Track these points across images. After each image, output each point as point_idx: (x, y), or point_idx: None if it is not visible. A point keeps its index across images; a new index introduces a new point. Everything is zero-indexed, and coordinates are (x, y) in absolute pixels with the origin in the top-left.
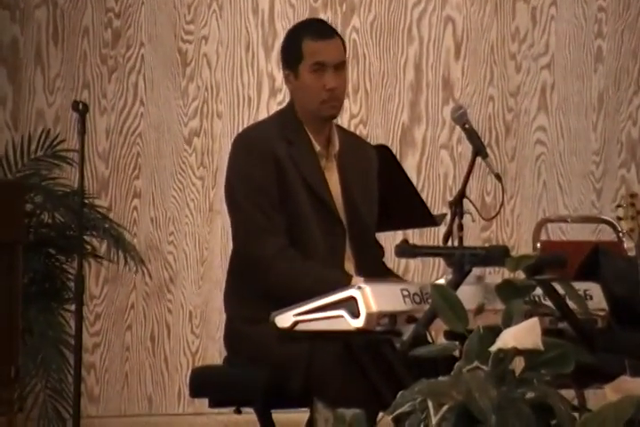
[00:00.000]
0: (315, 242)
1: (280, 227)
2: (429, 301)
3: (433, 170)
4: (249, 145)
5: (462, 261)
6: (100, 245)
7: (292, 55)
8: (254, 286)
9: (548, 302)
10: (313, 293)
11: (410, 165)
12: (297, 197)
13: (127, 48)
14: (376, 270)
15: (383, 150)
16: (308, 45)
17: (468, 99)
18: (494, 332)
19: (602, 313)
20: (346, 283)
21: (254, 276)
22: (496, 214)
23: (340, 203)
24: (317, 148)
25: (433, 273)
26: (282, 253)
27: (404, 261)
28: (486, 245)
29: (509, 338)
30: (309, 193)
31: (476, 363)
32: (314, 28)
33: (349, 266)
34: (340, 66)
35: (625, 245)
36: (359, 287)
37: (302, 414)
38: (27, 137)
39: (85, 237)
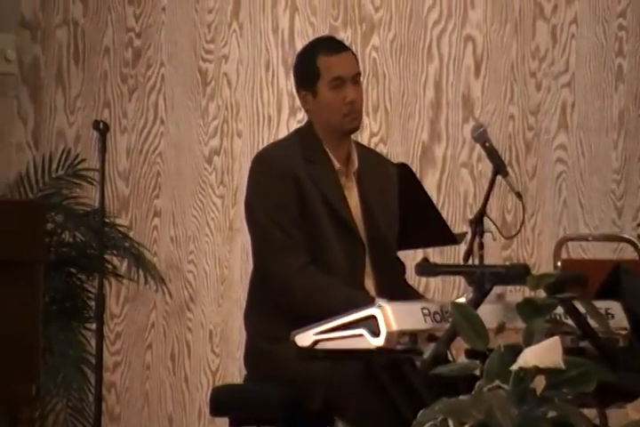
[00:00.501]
0: (335, 260)
1: (300, 244)
2: (450, 319)
3: (453, 188)
4: (268, 164)
5: (483, 279)
6: (120, 264)
7: (308, 74)
8: (275, 305)
9: (570, 321)
10: (334, 311)
11: (430, 184)
12: (317, 216)
13: (147, 67)
14: (397, 288)
15: (403, 168)
16: (323, 62)
17: (488, 117)
18: (515, 350)
19: (623, 332)
20: (368, 302)
21: (275, 294)
22: (517, 233)
23: (361, 220)
24: (337, 165)
25: (453, 292)
26: (302, 270)
27: (424, 279)
28: (507, 263)
29: (531, 357)
30: (329, 211)
31: (497, 382)
32: (325, 45)
33: (369, 284)
34: (357, 78)
35: None
36: (379, 306)
37: None
38: (48, 156)
39: (106, 256)
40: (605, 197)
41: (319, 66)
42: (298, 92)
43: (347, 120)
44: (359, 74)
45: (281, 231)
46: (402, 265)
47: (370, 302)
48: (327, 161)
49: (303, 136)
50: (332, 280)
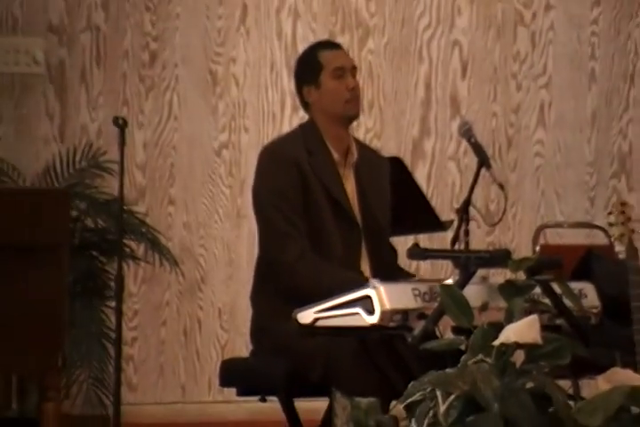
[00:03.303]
0: (333, 243)
1: (301, 231)
2: (438, 299)
3: (441, 180)
4: (274, 156)
5: (468, 263)
6: (137, 247)
7: (310, 69)
8: (278, 287)
9: (547, 301)
10: (332, 292)
11: (420, 175)
12: (318, 202)
13: (163, 68)
14: (390, 270)
15: (396, 161)
16: (324, 55)
17: (473, 115)
18: (497, 328)
19: (595, 310)
20: (362, 282)
21: (278, 278)
22: (499, 220)
23: (357, 207)
24: (336, 156)
25: (441, 274)
26: (302, 256)
27: (415, 262)
28: (490, 248)
29: (511, 333)
30: (329, 198)
31: (480, 356)
32: (324, 43)
33: (365, 265)
34: (354, 72)
35: (615, 249)
36: (374, 287)
37: (322, 403)
38: (72, 149)
39: (124, 240)
40: (579, 188)
41: (321, 59)
42: (299, 90)
43: (349, 106)
44: (355, 67)
45: (283, 219)
46: (394, 252)
47: (363, 283)
48: (327, 153)
49: (305, 130)
50: (330, 266)
